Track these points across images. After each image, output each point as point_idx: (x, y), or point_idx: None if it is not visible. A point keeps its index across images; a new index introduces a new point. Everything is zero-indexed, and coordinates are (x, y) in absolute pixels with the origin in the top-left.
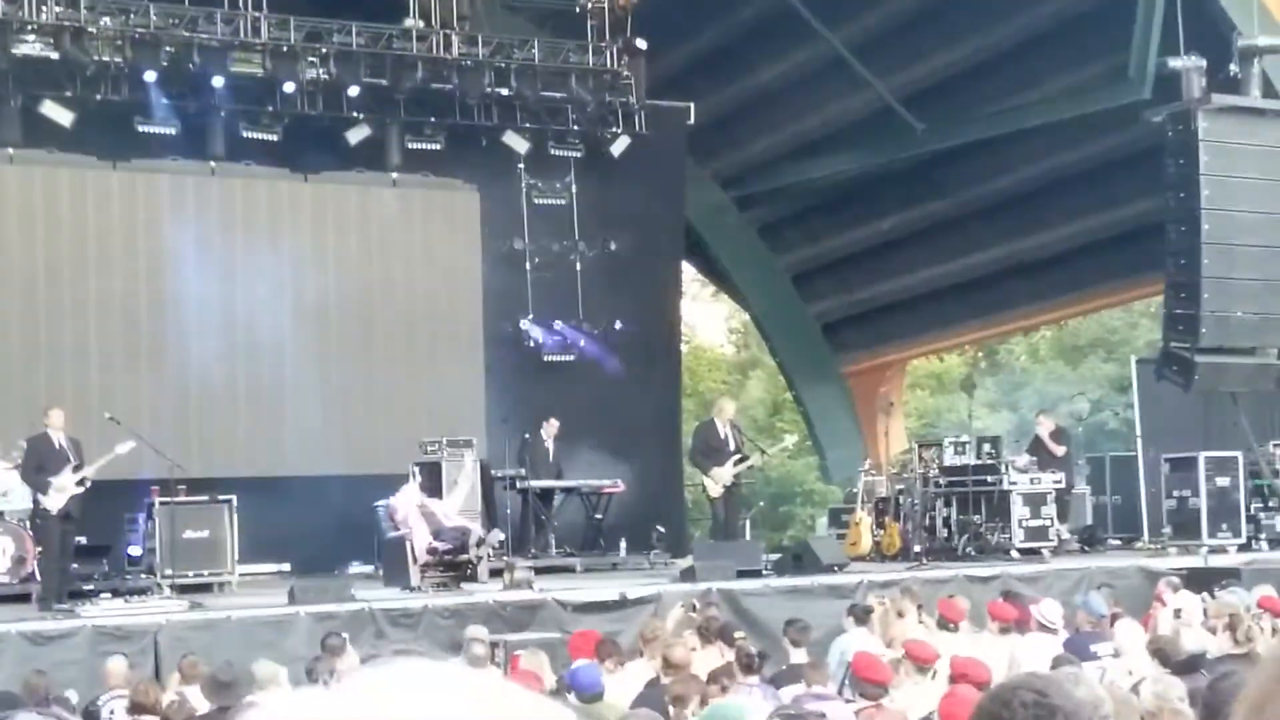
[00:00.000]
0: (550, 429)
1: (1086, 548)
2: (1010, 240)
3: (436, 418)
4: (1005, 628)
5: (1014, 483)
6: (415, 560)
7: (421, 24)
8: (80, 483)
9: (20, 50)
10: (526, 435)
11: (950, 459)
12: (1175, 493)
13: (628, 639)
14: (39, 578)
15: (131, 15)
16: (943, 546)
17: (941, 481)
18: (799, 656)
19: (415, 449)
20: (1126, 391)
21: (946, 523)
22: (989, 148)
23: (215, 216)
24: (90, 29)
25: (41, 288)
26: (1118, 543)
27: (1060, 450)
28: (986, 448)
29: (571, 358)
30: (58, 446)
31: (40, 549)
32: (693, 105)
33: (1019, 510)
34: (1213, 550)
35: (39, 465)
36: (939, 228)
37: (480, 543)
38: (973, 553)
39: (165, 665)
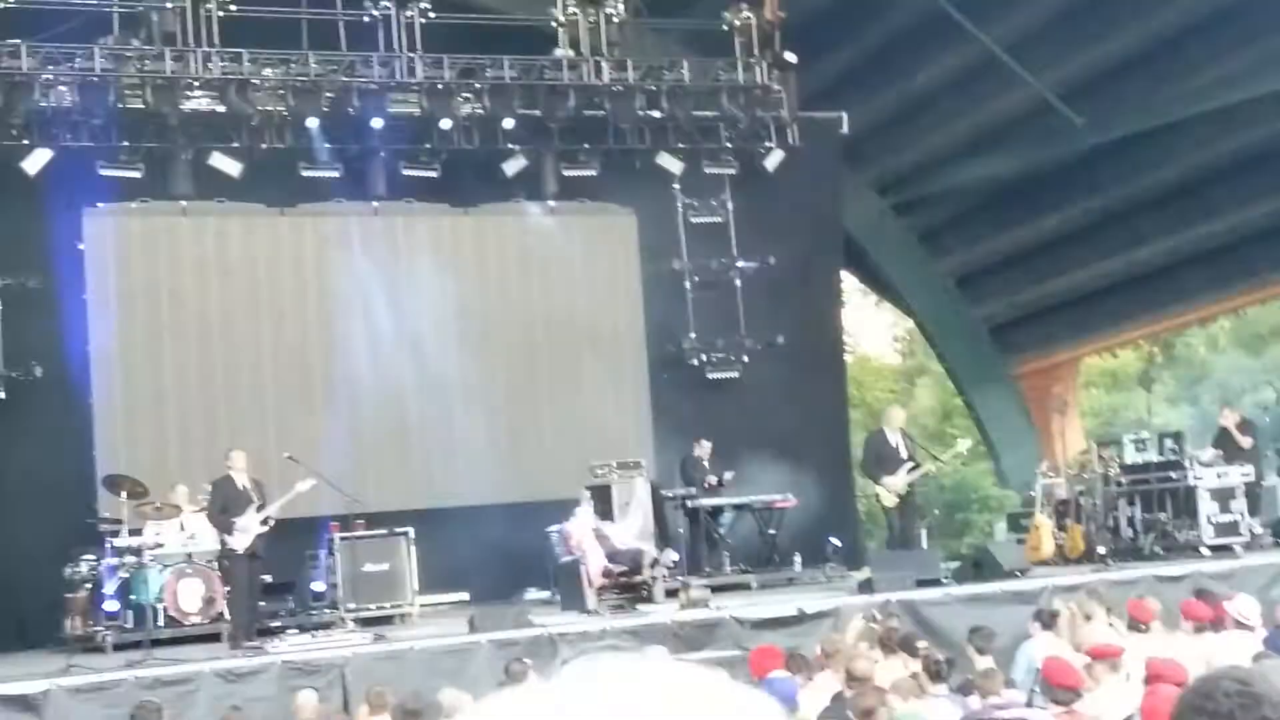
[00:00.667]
0: (703, 449)
1: None
2: (1179, 231)
3: (604, 441)
4: (1200, 627)
5: (1200, 478)
6: (590, 584)
7: (571, 53)
8: (264, 522)
9: (188, 106)
10: (685, 455)
11: (1131, 457)
12: None
13: (808, 654)
14: (228, 616)
15: (291, 65)
16: (1128, 547)
17: (1123, 480)
18: (984, 664)
19: (585, 473)
20: None
21: (1131, 522)
22: (1151, 138)
23: (380, 254)
24: (254, 81)
25: (216, 334)
26: None
27: (1247, 442)
28: (1169, 443)
29: (736, 374)
30: (241, 488)
31: (229, 589)
32: (845, 115)
33: (1207, 506)
34: None
35: (224, 507)
36: (1104, 222)
37: (654, 564)
38: (1160, 552)
39: (353, 697)
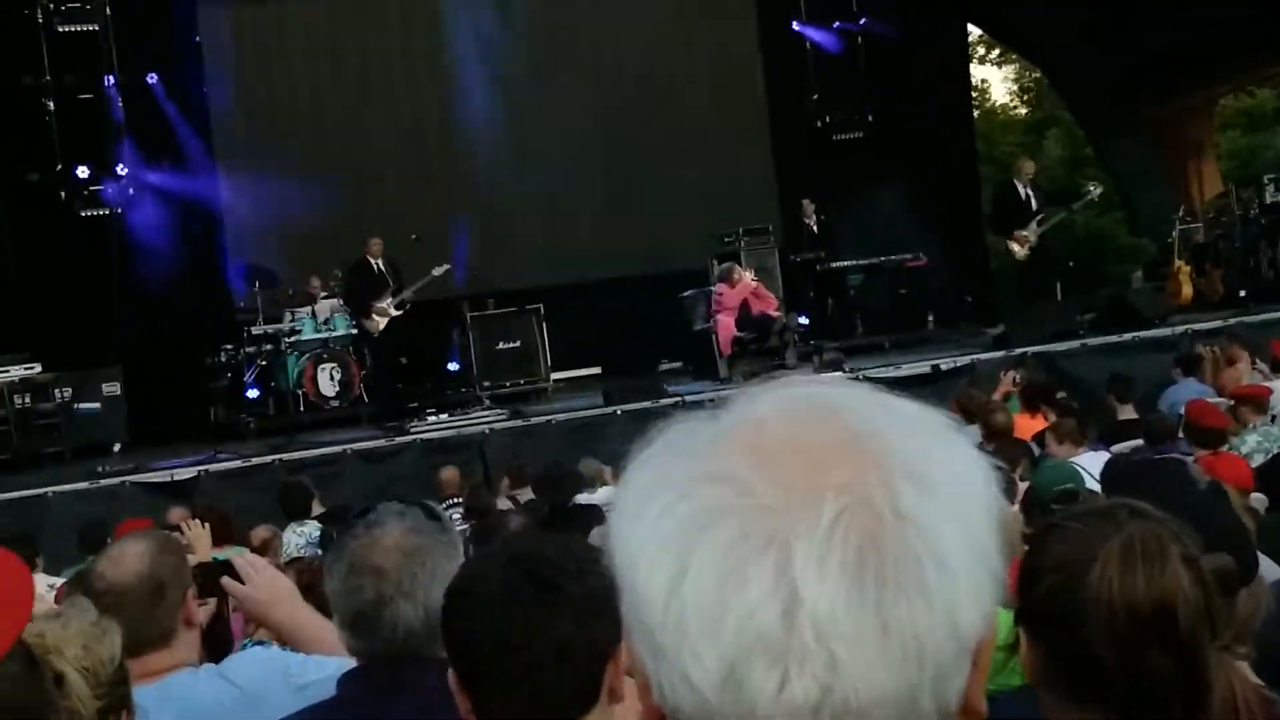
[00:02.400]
0: (809, 209)
1: None
2: None
3: (730, 208)
4: None
5: None
6: (722, 353)
7: None
8: (400, 305)
9: None
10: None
11: (1272, 196)
12: None
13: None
14: (368, 400)
15: None
16: (1271, 289)
17: (1264, 221)
18: (1126, 413)
19: (711, 242)
20: None
21: (1273, 263)
22: None
23: (490, 24)
24: None
25: (330, 121)
26: None
27: None
28: None
29: (861, 134)
30: (377, 273)
31: (366, 372)
32: None
33: None
34: None
35: (361, 292)
36: None
37: (784, 329)
38: None
39: (494, 471)
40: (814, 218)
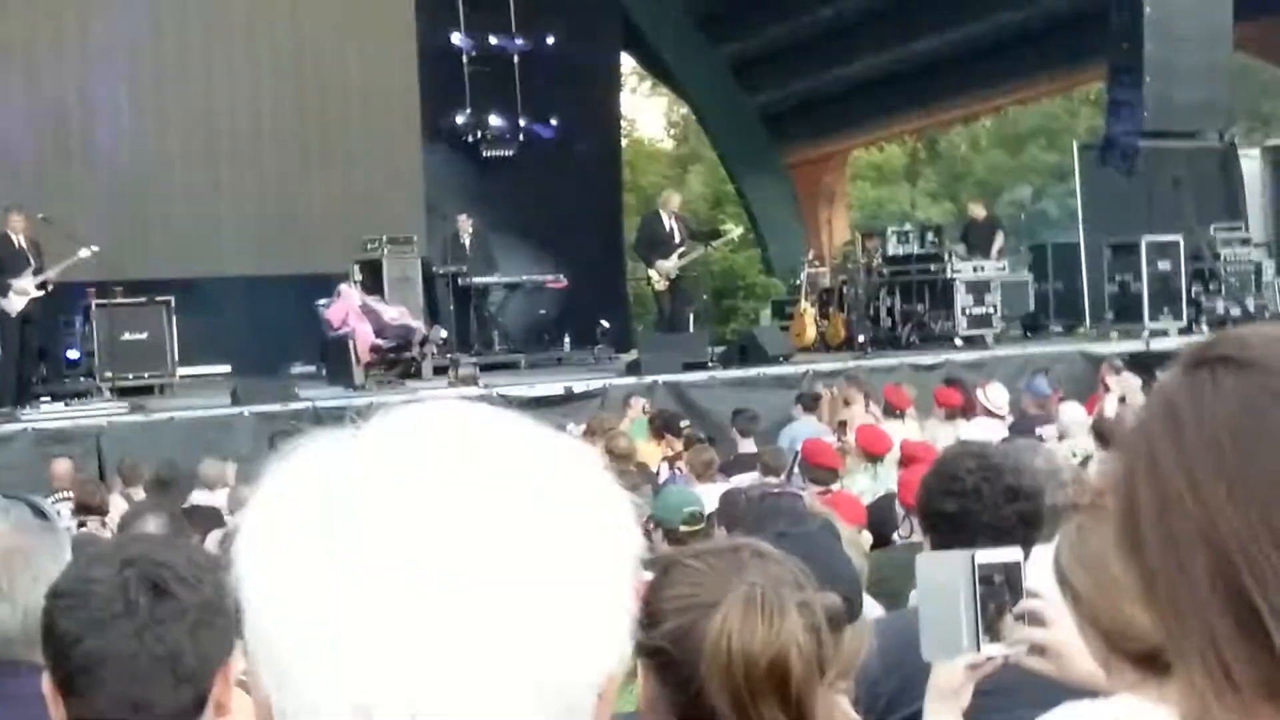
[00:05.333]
0: (465, 224)
1: (1030, 334)
2: (951, 28)
3: (376, 216)
4: (951, 413)
5: (957, 271)
6: (359, 360)
7: None
8: (41, 285)
9: None
10: (447, 234)
11: (893, 248)
12: (1117, 277)
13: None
14: None
15: None
16: (887, 336)
17: (885, 271)
18: (747, 446)
19: (355, 248)
20: (1068, 179)
21: (890, 312)
22: None
23: (149, 15)
24: None
25: None
26: (1060, 329)
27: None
28: (930, 237)
29: (511, 153)
30: (18, 248)
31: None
32: None
33: (962, 298)
34: (1154, 334)
35: None
36: (880, 15)
37: (424, 340)
38: (917, 341)
39: (109, 467)
40: (469, 233)
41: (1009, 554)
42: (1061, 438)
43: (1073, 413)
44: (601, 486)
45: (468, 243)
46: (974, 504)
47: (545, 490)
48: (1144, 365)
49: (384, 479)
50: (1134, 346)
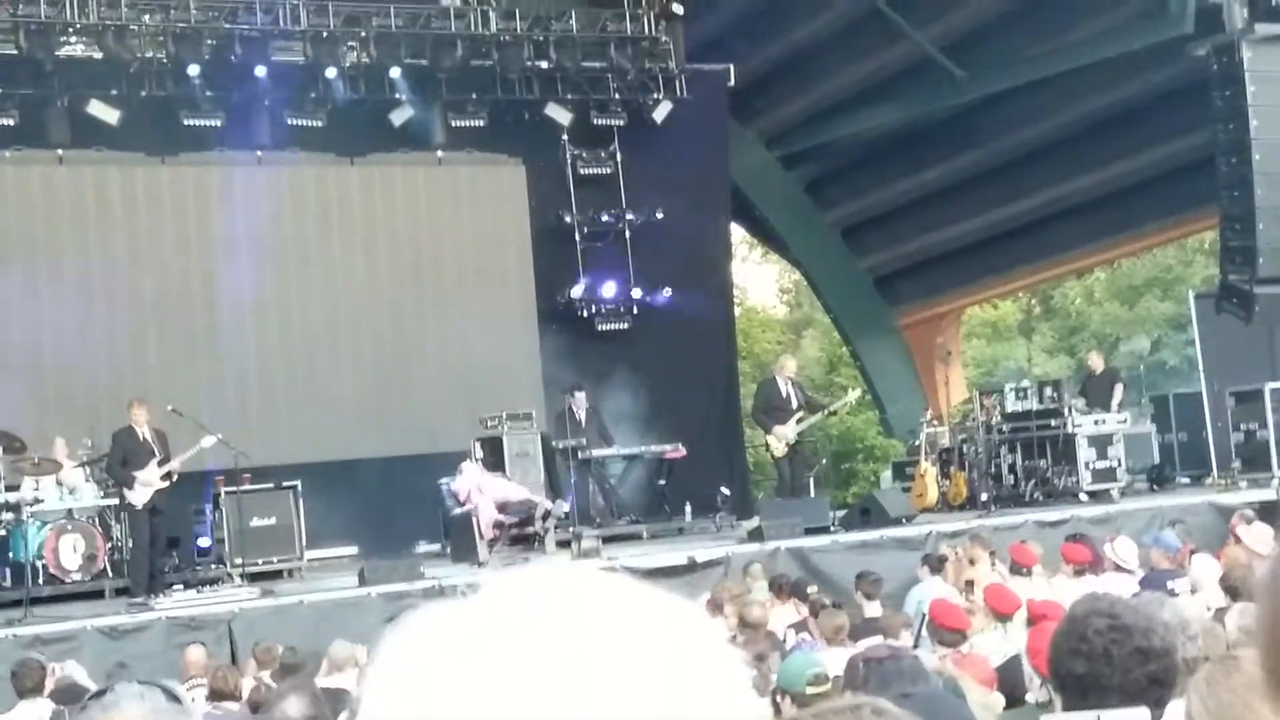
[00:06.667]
0: (579, 400)
1: (1156, 487)
2: (1058, 183)
3: (494, 392)
4: (1080, 569)
5: (1078, 425)
6: (482, 536)
7: (459, 2)
8: (166, 476)
9: (64, 52)
10: (561, 409)
11: (1012, 405)
12: (1242, 426)
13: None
14: (128, 573)
15: (172, 10)
16: (1010, 493)
17: (1005, 428)
18: (872, 610)
19: (476, 425)
20: (1185, 329)
21: (1012, 469)
22: (1031, 92)
23: (264, 205)
24: (132, 26)
25: (96, 287)
26: (1187, 481)
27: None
28: (1048, 392)
29: (626, 325)
30: (143, 440)
31: (130, 543)
32: (732, 66)
33: (1085, 453)
34: None
35: (124, 459)
36: (985, 175)
37: (546, 515)
38: (1040, 498)
39: (241, 652)
40: (584, 407)
41: (1135, 715)
42: (1194, 591)
43: (1204, 565)
44: (721, 654)
45: (583, 417)
46: (1104, 667)
47: (665, 656)
48: (1276, 514)
49: (501, 643)
50: (1264, 495)
